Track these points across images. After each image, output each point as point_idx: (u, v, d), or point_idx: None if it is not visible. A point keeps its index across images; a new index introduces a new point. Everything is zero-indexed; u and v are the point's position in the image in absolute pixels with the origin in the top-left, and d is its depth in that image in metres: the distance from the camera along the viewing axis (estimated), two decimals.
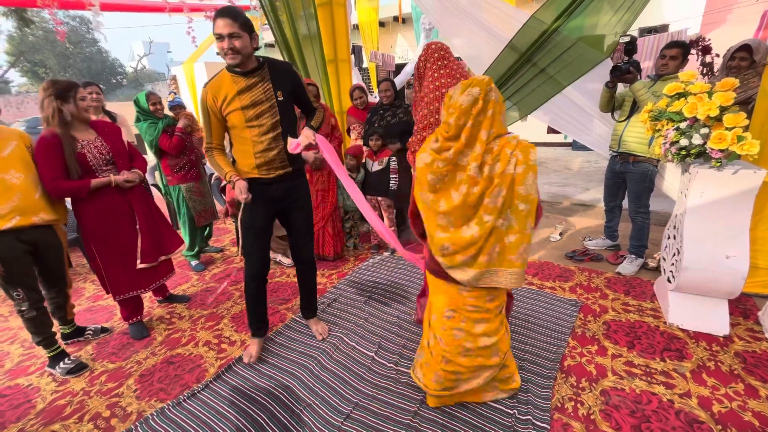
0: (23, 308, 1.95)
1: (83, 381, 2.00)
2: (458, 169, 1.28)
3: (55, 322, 2.21)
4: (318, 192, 3.16)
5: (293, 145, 1.83)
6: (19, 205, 1.86)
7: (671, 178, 3.11)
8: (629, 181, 2.70)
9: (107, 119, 2.88)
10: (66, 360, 2.07)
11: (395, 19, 8.87)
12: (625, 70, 2.44)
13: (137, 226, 2.26)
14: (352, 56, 4.52)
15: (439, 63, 1.87)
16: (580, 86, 3.07)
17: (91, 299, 2.91)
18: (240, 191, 1.75)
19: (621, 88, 2.66)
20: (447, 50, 1.89)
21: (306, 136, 1.82)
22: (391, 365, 1.93)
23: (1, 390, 1.98)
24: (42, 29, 18.58)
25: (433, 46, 1.89)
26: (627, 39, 2.44)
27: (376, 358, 2.00)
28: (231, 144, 1.87)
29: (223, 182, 2.42)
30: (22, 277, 1.93)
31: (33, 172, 1.94)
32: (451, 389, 1.58)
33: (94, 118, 2.11)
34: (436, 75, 1.86)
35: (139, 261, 2.27)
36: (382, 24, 9.19)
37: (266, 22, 3.13)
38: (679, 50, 2.40)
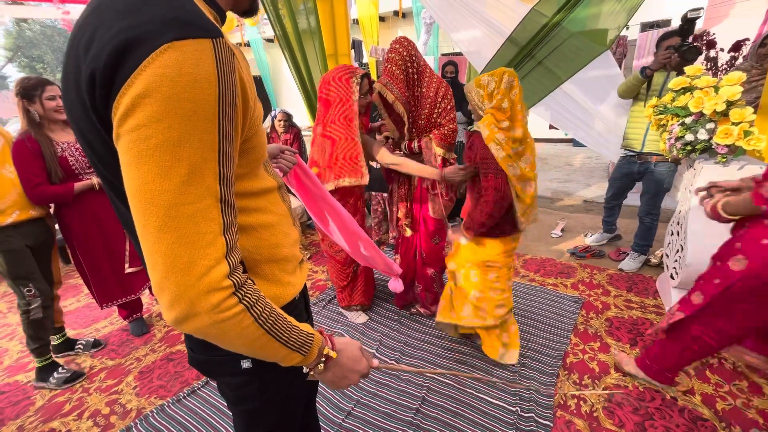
0: (33, 306, 1.87)
1: (82, 378, 1.99)
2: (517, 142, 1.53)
3: None
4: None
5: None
6: (17, 199, 1.85)
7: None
8: (648, 181, 2.57)
9: None
10: (60, 369, 1.97)
11: (395, 13, 8.80)
12: (696, 51, 2.15)
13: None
14: (352, 51, 4.47)
15: (425, 64, 1.91)
16: (581, 83, 3.03)
17: (89, 296, 2.89)
18: None
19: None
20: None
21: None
22: (393, 362, 1.92)
23: (0, 387, 1.98)
24: (39, 24, 18.43)
25: (414, 43, 1.88)
26: (695, 15, 2.22)
27: (377, 354, 1.99)
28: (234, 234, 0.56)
29: None
30: (30, 271, 1.88)
31: None
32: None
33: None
34: (434, 78, 1.91)
35: (127, 265, 2.22)
36: (382, 19, 9.11)
37: (266, 16, 3.09)
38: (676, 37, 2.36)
